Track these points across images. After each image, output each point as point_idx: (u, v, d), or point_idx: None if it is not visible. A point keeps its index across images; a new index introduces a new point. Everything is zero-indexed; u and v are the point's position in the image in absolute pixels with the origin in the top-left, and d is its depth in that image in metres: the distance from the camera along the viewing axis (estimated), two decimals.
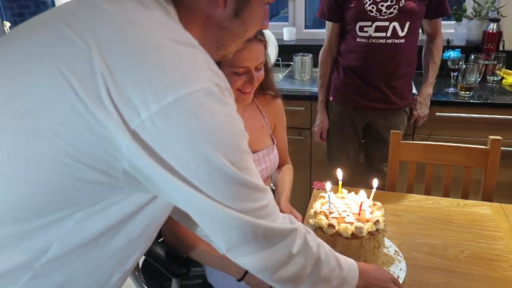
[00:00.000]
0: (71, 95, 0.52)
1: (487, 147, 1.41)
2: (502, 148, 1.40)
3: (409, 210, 1.27)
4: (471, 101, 1.96)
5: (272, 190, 1.38)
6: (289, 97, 2.16)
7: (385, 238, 1.07)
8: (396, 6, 1.66)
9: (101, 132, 0.52)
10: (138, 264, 1.36)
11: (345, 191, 1.09)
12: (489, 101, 1.96)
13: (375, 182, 1.04)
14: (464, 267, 1.01)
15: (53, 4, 2.96)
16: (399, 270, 0.98)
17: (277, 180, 1.38)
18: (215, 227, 0.60)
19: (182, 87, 0.53)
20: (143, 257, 1.31)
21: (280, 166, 1.39)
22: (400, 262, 1.01)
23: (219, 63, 1.03)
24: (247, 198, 0.60)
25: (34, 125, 0.54)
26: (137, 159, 0.54)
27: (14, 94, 0.56)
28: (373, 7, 1.68)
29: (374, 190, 1.03)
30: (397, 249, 1.05)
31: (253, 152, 1.22)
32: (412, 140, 2.06)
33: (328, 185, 1.03)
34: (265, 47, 1.11)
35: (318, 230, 0.97)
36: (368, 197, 1.04)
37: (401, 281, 0.94)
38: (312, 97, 2.09)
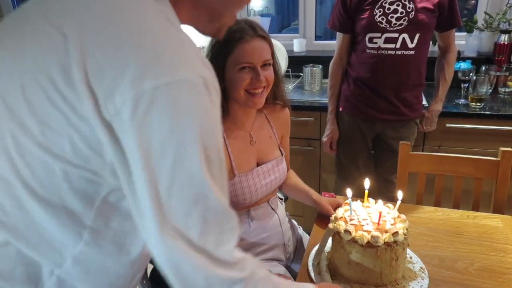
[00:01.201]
0: (51, 90, 0.52)
1: (498, 159, 1.39)
2: None
3: (418, 221, 1.26)
4: (482, 112, 1.94)
5: (280, 199, 1.38)
6: (298, 108, 2.17)
7: (413, 254, 1.07)
8: (406, 18, 1.67)
9: (80, 125, 0.52)
10: (146, 273, 1.37)
11: (372, 200, 1.09)
12: (500, 112, 1.95)
13: (400, 194, 1.04)
14: (474, 280, 1.00)
15: None
16: (419, 287, 0.96)
17: (289, 186, 1.38)
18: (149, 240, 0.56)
19: (162, 76, 0.49)
20: (151, 266, 1.32)
21: None
22: (422, 279, 0.99)
23: (224, 64, 1.05)
24: (205, 222, 0.55)
25: (22, 120, 0.54)
26: (114, 149, 0.52)
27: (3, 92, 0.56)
28: (383, 19, 1.69)
29: (399, 202, 1.03)
30: (423, 266, 1.03)
31: (263, 163, 1.23)
32: (422, 151, 2.05)
33: (349, 192, 1.04)
34: (270, 46, 1.11)
35: (336, 235, 0.98)
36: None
37: None
38: (322, 108, 2.10)
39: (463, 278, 1.00)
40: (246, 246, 1.21)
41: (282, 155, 1.30)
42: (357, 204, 1.07)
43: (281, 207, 1.33)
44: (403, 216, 1.01)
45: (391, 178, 1.91)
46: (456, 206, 1.45)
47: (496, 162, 1.40)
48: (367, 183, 1.10)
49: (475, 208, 1.43)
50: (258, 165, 1.22)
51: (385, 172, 1.94)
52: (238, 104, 1.14)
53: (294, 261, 1.35)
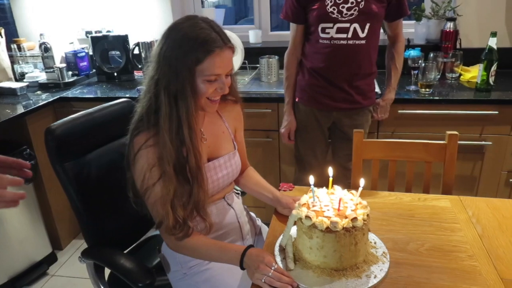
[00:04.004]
0: None
1: (445, 142, 1.46)
2: (461, 142, 1.44)
3: (373, 206, 1.29)
4: (431, 98, 2.02)
5: (237, 193, 1.37)
6: (256, 100, 2.17)
7: (377, 239, 1.10)
8: (356, 8, 1.70)
9: None
10: (104, 277, 1.33)
11: (338, 187, 1.10)
12: (448, 97, 2.03)
13: (362, 182, 1.06)
14: (425, 260, 1.04)
15: (10, 10, 2.85)
16: (379, 271, 0.99)
17: (249, 184, 1.37)
18: None
19: None
20: (109, 270, 1.28)
21: (242, 170, 1.38)
22: (383, 263, 1.01)
23: (193, 77, 1.02)
24: None
25: None
26: None
27: None
28: (334, 9, 1.71)
29: (360, 189, 1.05)
30: (386, 251, 1.06)
31: (215, 158, 1.21)
32: (377, 137, 2.11)
33: (311, 179, 1.05)
34: (233, 53, 1.10)
35: (299, 220, 1.00)
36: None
37: (376, 281, 0.95)
38: (279, 99, 2.10)
39: (415, 258, 1.05)
40: None
41: (235, 148, 1.29)
42: (322, 191, 1.09)
43: (237, 201, 1.33)
44: (364, 202, 1.03)
45: (348, 165, 1.95)
46: (408, 189, 1.51)
47: (443, 146, 1.46)
48: (330, 171, 1.12)
49: (426, 190, 1.49)
50: (209, 160, 1.20)
51: (342, 160, 1.98)
52: None
53: None
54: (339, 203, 1.01)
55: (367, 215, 1.00)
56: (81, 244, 2.48)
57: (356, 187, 1.06)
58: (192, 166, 1.07)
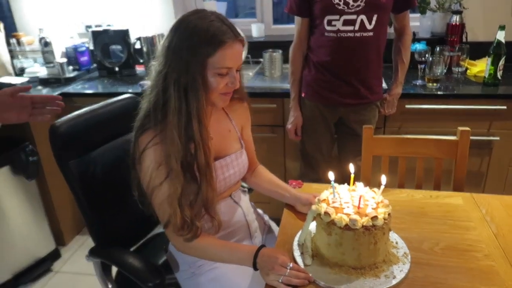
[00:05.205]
0: None
1: (456, 138, 1.43)
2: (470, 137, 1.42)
3: None
4: (438, 92, 1.99)
5: (244, 190, 1.35)
6: (260, 95, 2.14)
7: (399, 239, 1.07)
8: None
9: None
10: (111, 275, 1.32)
11: (360, 184, 1.08)
12: (455, 92, 2.01)
13: (384, 179, 1.04)
14: (440, 259, 1.02)
15: (8, 4, 2.80)
16: (399, 272, 0.96)
17: (262, 182, 1.35)
18: None
19: None
20: (117, 269, 1.26)
21: (252, 169, 1.36)
22: (404, 264, 0.99)
23: (204, 70, 1.00)
24: None
25: None
26: None
27: None
28: (340, 0, 1.67)
29: (382, 187, 1.03)
30: (407, 252, 1.03)
31: (221, 157, 1.18)
32: (384, 133, 2.08)
33: (331, 175, 1.04)
34: (243, 46, 1.08)
35: (318, 216, 0.98)
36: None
37: (395, 282, 0.93)
38: (284, 94, 2.07)
39: (430, 258, 1.03)
40: None
41: (242, 147, 1.26)
42: (343, 188, 1.07)
43: (244, 199, 1.30)
44: (386, 201, 1.01)
45: (355, 161, 1.92)
46: (419, 186, 1.49)
47: (454, 142, 1.43)
48: (352, 167, 1.10)
49: (437, 187, 1.47)
50: (216, 159, 1.18)
51: (349, 156, 1.95)
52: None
53: None
54: (359, 201, 0.99)
55: (389, 214, 0.97)
56: (85, 240, 2.46)
57: (366, 183, 1.04)
58: (201, 162, 1.04)
